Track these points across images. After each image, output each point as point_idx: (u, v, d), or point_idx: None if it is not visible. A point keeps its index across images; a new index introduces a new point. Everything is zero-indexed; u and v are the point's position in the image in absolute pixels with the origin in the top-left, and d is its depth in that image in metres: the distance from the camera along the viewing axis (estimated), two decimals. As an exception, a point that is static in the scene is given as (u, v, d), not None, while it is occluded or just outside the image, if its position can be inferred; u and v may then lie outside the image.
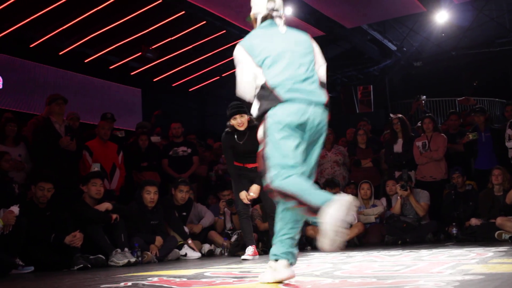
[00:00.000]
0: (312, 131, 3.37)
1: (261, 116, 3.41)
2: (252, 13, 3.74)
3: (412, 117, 10.44)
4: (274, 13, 3.64)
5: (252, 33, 3.63)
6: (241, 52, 3.54)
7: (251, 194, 6.28)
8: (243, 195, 6.31)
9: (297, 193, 3.13)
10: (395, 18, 12.72)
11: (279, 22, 3.64)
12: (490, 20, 13.65)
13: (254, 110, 3.47)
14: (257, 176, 6.13)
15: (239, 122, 6.13)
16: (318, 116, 3.37)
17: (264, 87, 3.41)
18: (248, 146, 6.20)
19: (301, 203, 3.11)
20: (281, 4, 3.71)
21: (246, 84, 3.51)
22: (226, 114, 6.23)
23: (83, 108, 10.42)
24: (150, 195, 6.85)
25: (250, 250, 6.28)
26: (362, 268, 4.20)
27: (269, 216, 6.27)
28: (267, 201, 6.18)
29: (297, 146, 3.29)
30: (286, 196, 3.18)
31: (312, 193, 3.10)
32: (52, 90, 9.25)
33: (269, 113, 3.34)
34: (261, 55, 3.46)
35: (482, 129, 8.61)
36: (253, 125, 6.14)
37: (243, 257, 6.16)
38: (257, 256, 6.26)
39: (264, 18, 3.65)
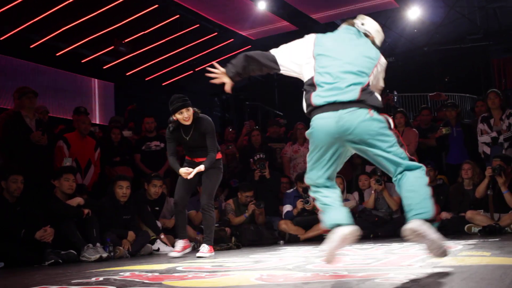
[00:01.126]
0: None
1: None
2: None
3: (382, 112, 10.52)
4: None
5: None
6: None
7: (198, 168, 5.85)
8: (183, 170, 5.86)
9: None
10: (368, 13, 12.78)
11: None
12: (462, 16, 13.80)
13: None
14: (206, 170, 5.93)
15: (185, 116, 5.77)
16: None
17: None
18: (196, 142, 5.95)
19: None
20: None
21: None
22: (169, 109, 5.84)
23: (55, 102, 10.27)
24: (123, 189, 6.81)
25: (180, 244, 6.09)
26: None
27: (202, 209, 6.05)
28: (203, 194, 6.02)
29: None
30: None
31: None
32: (23, 83, 9.09)
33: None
34: None
35: (453, 124, 8.72)
36: (198, 117, 5.90)
37: (170, 254, 5.92)
38: (185, 251, 6.09)
39: None
